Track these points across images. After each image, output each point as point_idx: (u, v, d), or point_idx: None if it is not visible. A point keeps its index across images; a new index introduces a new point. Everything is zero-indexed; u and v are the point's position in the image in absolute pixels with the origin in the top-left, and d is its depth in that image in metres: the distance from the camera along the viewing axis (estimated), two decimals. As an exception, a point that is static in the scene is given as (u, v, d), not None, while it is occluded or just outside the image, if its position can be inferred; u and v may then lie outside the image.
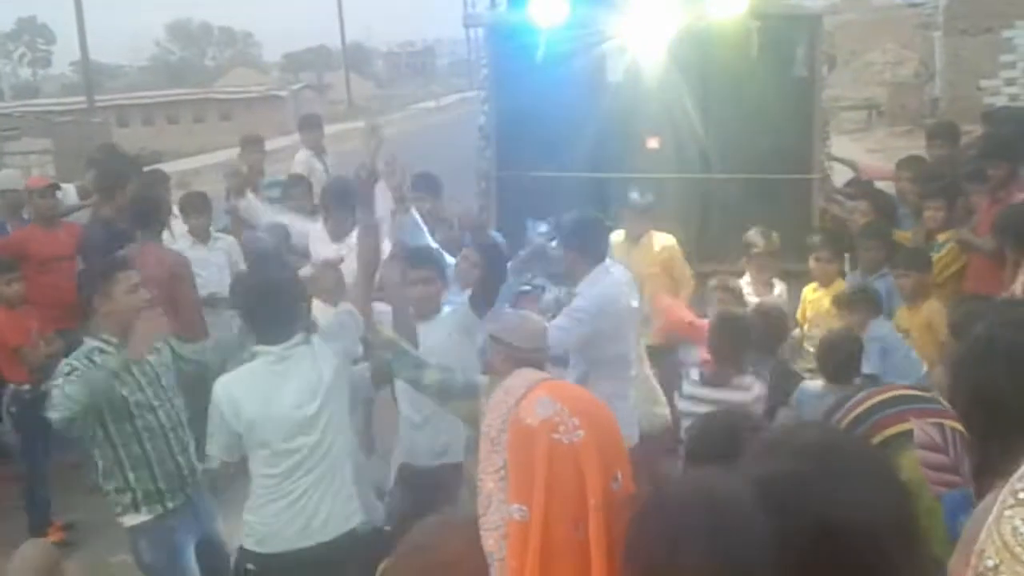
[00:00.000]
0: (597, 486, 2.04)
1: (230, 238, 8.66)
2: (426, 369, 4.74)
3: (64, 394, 4.86)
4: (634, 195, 7.70)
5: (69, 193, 9.67)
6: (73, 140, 26.99)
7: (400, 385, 5.60)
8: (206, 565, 5.49)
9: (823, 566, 1.85)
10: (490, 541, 2.09)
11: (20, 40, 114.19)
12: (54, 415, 4.93)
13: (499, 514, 2.09)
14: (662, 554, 1.83)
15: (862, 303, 6.57)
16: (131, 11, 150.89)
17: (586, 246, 6.06)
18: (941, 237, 7.59)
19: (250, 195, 8.87)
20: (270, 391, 4.83)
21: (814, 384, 5.89)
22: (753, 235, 7.53)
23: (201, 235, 8.39)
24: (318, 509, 4.84)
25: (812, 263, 7.32)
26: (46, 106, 51.89)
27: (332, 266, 6.51)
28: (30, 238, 8.47)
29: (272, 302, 4.98)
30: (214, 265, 8.25)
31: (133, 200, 8.23)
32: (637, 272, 7.08)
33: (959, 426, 2.50)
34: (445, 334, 5.67)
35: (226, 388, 4.89)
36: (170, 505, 5.29)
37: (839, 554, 1.85)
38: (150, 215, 7.88)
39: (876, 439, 3.00)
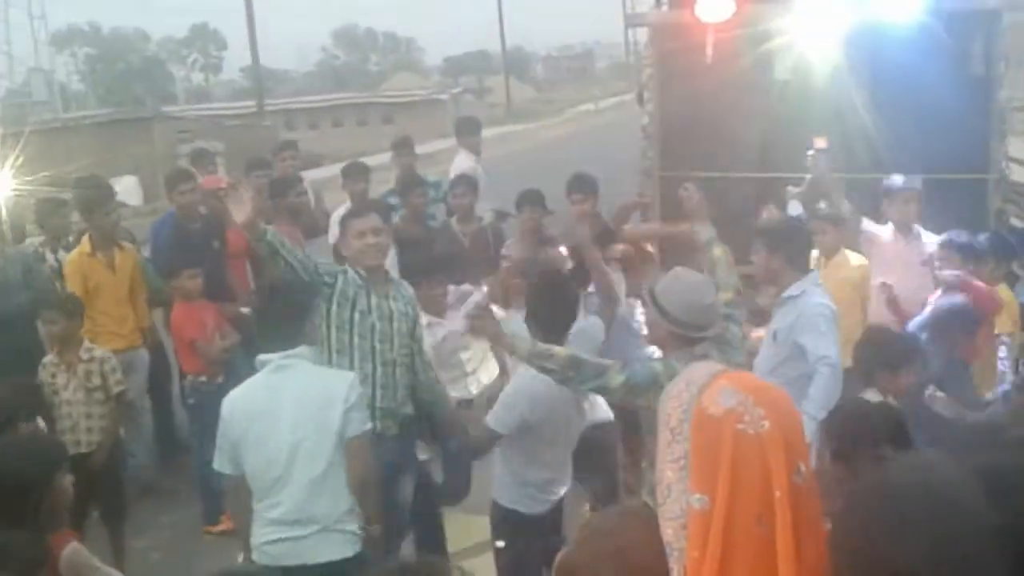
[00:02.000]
0: (783, 478, 2.00)
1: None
2: (608, 373, 4.52)
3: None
4: (823, 204, 7.54)
5: None
6: (243, 143, 27.83)
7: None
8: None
9: None
10: (669, 531, 2.06)
11: (193, 46, 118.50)
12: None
13: (679, 504, 2.06)
14: (883, 540, 1.78)
15: None
16: (299, 18, 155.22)
17: (794, 252, 5.95)
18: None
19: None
20: (263, 401, 4.87)
21: None
22: None
23: None
24: (305, 532, 4.83)
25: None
26: (217, 110, 53.77)
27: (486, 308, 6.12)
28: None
29: (278, 308, 5.13)
30: None
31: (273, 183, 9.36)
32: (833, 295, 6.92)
33: None
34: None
35: (230, 398, 5.00)
36: None
37: None
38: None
39: None
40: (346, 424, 4.85)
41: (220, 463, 4.99)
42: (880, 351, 5.47)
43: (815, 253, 7.41)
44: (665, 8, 9.55)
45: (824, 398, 5.43)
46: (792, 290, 5.91)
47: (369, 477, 5.02)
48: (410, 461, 6.05)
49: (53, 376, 6.97)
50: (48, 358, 7.11)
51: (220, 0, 59.75)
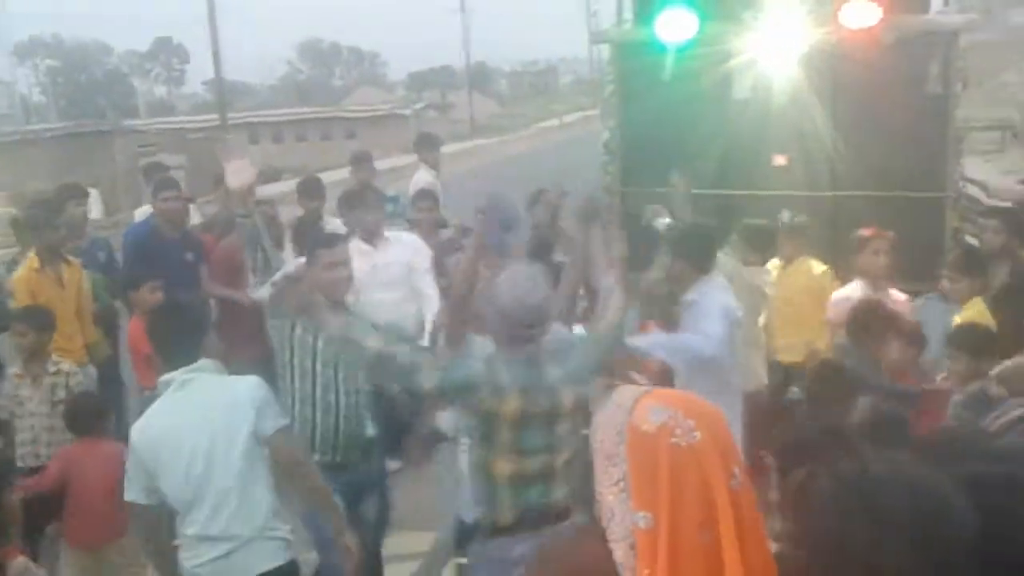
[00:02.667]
0: (721, 486, 2.04)
1: None
2: (421, 372, 4.37)
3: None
4: (785, 215, 7.62)
5: None
6: (206, 157, 27.72)
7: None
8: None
9: None
10: (618, 552, 2.09)
11: (156, 60, 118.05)
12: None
13: (623, 525, 2.09)
14: (863, 537, 1.80)
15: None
16: (263, 31, 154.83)
17: (694, 256, 6.05)
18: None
19: None
20: (170, 421, 4.71)
21: None
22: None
23: None
24: (231, 547, 4.69)
25: (944, 284, 7.07)
26: (180, 123, 53.56)
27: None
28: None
29: (173, 325, 4.96)
30: None
31: None
32: (785, 296, 7.01)
33: None
34: None
35: (137, 426, 4.82)
36: (315, 458, 5.52)
37: None
38: None
39: None
40: (259, 423, 4.71)
41: (132, 493, 4.76)
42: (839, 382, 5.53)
43: (775, 260, 7.53)
44: (628, 26, 9.60)
45: (680, 342, 5.69)
46: (693, 294, 5.99)
47: (301, 467, 4.90)
48: (374, 485, 5.99)
49: (17, 388, 6.90)
50: (13, 370, 7.04)
51: (184, 13, 59.58)
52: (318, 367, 5.56)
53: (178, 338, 4.89)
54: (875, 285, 7.03)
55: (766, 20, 8.19)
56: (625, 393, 2.21)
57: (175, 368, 4.80)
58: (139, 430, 4.78)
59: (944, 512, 1.80)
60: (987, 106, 33.15)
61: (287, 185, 22.12)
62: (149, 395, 7.59)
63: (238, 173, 5.44)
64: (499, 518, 4.42)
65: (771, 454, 3.97)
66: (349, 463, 5.72)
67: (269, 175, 20.55)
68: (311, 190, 9.77)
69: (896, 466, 1.97)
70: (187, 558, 4.79)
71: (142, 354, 7.70)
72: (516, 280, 4.46)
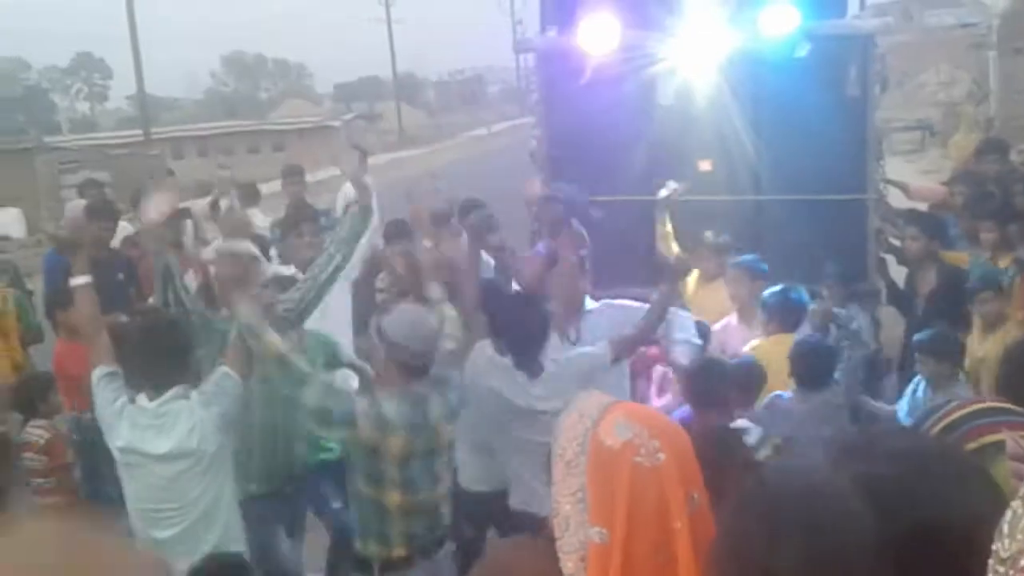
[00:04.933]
0: (681, 508, 2.03)
1: None
2: (307, 387, 4.46)
3: None
4: (708, 234, 7.67)
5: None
6: (130, 172, 27.36)
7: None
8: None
9: (925, 570, 1.83)
10: (569, 564, 2.08)
11: (77, 75, 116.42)
12: None
13: (577, 536, 2.08)
14: (759, 549, 1.80)
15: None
16: (186, 45, 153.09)
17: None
18: (1003, 263, 7.43)
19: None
20: (143, 444, 4.70)
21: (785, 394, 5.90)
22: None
23: None
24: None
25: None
26: (103, 139, 52.71)
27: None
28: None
29: (151, 349, 4.85)
30: None
31: None
32: (707, 315, 7.04)
33: None
34: None
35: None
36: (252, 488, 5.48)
37: (944, 559, 1.83)
38: None
39: (968, 447, 2.96)
40: (220, 408, 4.76)
41: None
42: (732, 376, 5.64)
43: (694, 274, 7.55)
44: (551, 34, 9.63)
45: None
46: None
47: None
48: (301, 516, 6.00)
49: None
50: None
51: (105, 28, 58.73)
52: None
53: (160, 361, 4.80)
54: (745, 316, 7.10)
55: (687, 26, 8.24)
56: (589, 401, 2.21)
57: (146, 388, 4.78)
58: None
59: (837, 515, 1.81)
60: (906, 107, 33.78)
61: (215, 200, 21.93)
62: (74, 418, 7.49)
63: (155, 207, 5.33)
64: (393, 552, 4.55)
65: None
66: (286, 489, 5.69)
67: (199, 190, 20.31)
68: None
69: (790, 474, 1.99)
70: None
71: (67, 377, 7.57)
72: (406, 315, 4.65)
